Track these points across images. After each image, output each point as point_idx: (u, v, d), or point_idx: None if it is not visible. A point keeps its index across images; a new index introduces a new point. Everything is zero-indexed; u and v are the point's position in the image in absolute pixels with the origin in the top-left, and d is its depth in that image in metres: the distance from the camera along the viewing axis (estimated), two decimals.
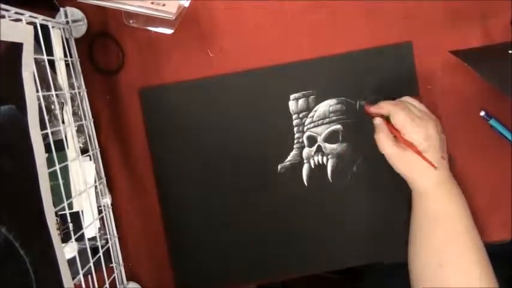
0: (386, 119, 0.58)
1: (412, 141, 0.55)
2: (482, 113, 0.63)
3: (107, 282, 0.57)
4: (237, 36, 0.63)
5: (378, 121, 0.58)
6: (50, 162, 0.46)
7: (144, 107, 0.63)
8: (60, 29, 0.56)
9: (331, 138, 0.63)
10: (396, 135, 0.56)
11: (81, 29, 0.61)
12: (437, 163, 0.55)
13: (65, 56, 0.57)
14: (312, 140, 0.63)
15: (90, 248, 0.54)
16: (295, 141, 0.63)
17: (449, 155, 0.59)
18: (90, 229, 0.57)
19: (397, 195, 0.63)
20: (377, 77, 0.63)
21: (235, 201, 0.64)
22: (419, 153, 0.55)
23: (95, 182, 0.59)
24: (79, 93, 0.59)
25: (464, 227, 0.56)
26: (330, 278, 0.94)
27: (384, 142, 0.57)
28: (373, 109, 0.59)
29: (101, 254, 0.56)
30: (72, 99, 0.58)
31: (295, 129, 0.63)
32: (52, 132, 0.48)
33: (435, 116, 0.58)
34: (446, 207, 0.56)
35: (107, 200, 0.61)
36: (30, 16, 0.46)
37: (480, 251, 0.56)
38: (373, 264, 0.67)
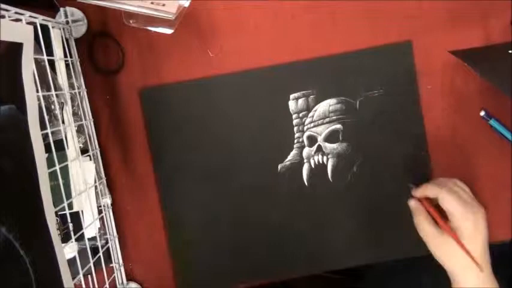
0: (427, 201, 0.56)
1: (459, 227, 0.51)
2: (482, 113, 0.63)
3: (107, 282, 0.57)
4: (237, 36, 0.63)
5: (413, 204, 0.56)
6: (50, 162, 0.46)
7: (144, 107, 0.63)
8: (60, 29, 0.56)
9: (331, 137, 0.63)
10: (439, 222, 0.53)
11: (81, 29, 0.61)
12: (481, 260, 0.51)
13: (65, 56, 0.57)
14: (312, 140, 0.63)
15: (90, 248, 0.54)
16: (295, 140, 0.63)
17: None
18: (90, 229, 0.57)
19: (397, 195, 0.63)
20: (377, 77, 0.63)
21: (235, 201, 0.64)
22: (462, 246, 0.51)
23: (95, 182, 0.59)
24: (79, 93, 0.59)
25: None
26: (330, 278, 0.94)
27: (425, 224, 0.53)
28: (418, 193, 0.57)
29: (101, 254, 0.56)
30: (72, 99, 0.58)
31: (295, 128, 0.63)
32: (52, 132, 0.48)
33: (432, 131, 0.56)
34: None
35: (107, 200, 0.61)
36: (30, 16, 0.46)
37: None
38: (373, 264, 0.67)
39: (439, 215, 0.54)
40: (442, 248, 0.52)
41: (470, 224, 0.51)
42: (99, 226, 0.59)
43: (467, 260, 0.51)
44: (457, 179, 0.57)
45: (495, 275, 0.56)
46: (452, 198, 0.52)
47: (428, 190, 0.56)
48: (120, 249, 0.62)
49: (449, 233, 0.52)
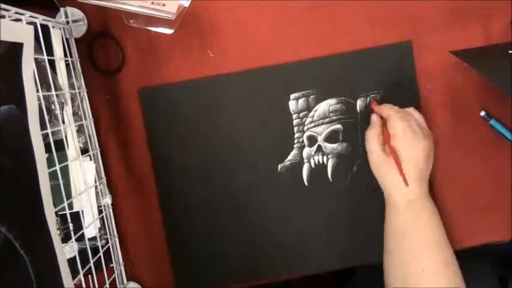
0: (384, 122, 0.58)
1: (398, 151, 0.55)
2: (482, 113, 0.63)
3: (107, 282, 0.57)
4: (237, 36, 0.63)
5: (374, 118, 0.58)
6: (50, 162, 0.46)
7: (144, 107, 0.63)
8: (60, 29, 0.56)
9: (331, 137, 0.63)
10: (385, 140, 0.56)
11: (81, 29, 0.61)
12: (412, 181, 0.54)
13: (65, 56, 0.57)
14: (312, 140, 0.63)
15: (91, 248, 0.54)
16: (296, 140, 0.63)
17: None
18: (90, 229, 0.57)
19: None
20: (377, 77, 0.63)
21: (235, 201, 0.64)
22: (399, 165, 0.54)
23: (95, 182, 0.59)
24: (79, 93, 0.59)
25: (430, 243, 0.55)
26: (330, 278, 0.94)
27: (372, 140, 0.57)
28: (376, 108, 0.59)
29: (101, 254, 0.56)
30: (72, 99, 0.58)
31: (295, 128, 0.63)
32: (52, 132, 0.48)
33: (432, 132, 0.58)
34: (414, 223, 0.55)
35: (107, 200, 0.61)
36: (30, 16, 0.46)
37: (449, 265, 0.54)
38: (372, 264, 0.67)
39: (389, 135, 0.56)
40: (381, 165, 0.56)
41: (408, 151, 0.54)
42: (99, 226, 0.59)
43: (399, 177, 0.54)
44: (413, 109, 0.59)
45: (495, 275, 0.57)
46: (399, 123, 0.55)
47: (383, 109, 0.58)
48: (120, 249, 0.62)
49: (391, 150, 0.55)
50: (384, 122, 0.58)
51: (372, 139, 0.57)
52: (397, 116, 0.55)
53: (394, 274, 0.56)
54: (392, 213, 0.57)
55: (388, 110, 0.57)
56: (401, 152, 0.54)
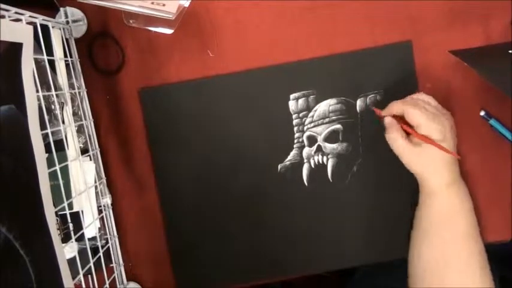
0: (399, 118, 0.57)
1: (430, 136, 0.54)
2: (482, 113, 0.63)
3: (107, 282, 0.57)
4: (237, 36, 0.63)
5: (388, 120, 0.57)
6: (50, 162, 0.46)
7: (144, 107, 0.63)
8: (60, 29, 0.56)
9: (331, 137, 0.63)
10: (410, 132, 0.56)
11: (81, 29, 0.61)
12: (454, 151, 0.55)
13: (65, 56, 0.57)
14: (312, 140, 0.63)
15: (90, 248, 0.54)
16: (295, 140, 0.63)
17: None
18: (90, 229, 0.57)
19: (398, 195, 0.63)
20: (377, 77, 0.63)
21: (235, 201, 0.64)
22: (439, 145, 0.54)
23: (95, 182, 0.59)
24: (79, 93, 0.59)
25: (469, 231, 0.55)
26: (330, 278, 0.94)
27: (397, 139, 0.55)
28: (384, 112, 0.58)
29: (101, 254, 0.56)
30: (72, 99, 0.58)
31: (295, 128, 0.63)
32: (52, 132, 0.48)
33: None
34: (454, 208, 0.56)
35: (107, 200, 0.61)
36: (30, 16, 0.46)
37: (482, 255, 0.55)
38: (372, 264, 0.67)
39: (410, 127, 0.56)
40: (415, 157, 0.55)
41: (437, 131, 0.53)
42: (99, 226, 0.59)
43: (437, 161, 0.54)
44: (422, 93, 0.59)
45: (495, 275, 0.57)
46: (416, 111, 0.54)
47: (393, 107, 0.57)
48: (120, 249, 0.62)
49: (422, 138, 0.54)
50: (397, 118, 0.57)
51: (397, 140, 0.56)
52: (409, 105, 0.55)
53: (429, 262, 0.56)
54: (432, 199, 0.56)
55: (397, 106, 0.56)
56: (434, 134, 0.54)
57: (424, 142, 0.54)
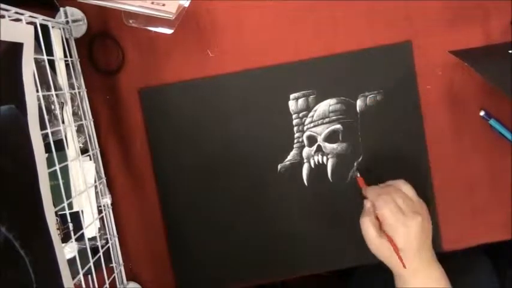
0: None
1: (392, 236, 0.54)
2: (482, 113, 0.63)
3: (107, 282, 0.57)
4: (237, 36, 0.63)
5: (368, 204, 0.57)
6: (50, 162, 0.46)
7: (144, 107, 0.63)
8: (60, 29, 0.56)
9: (331, 137, 0.63)
10: (380, 224, 0.55)
11: (81, 29, 0.61)
12: (411, 259, 0.54)
13: (65, 56, 0.57)
14: (312, 140, 0.63)
15: (90, 248, 0.54)
16: (295, 140, 0.63)
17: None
18: (90, 229, 0.57)
19: None
20: (377, 77, 0.63)
21: (235, 201, 0.64)
22: (395, 248, 0.53)
23: (95, 182, 0.59)
24: (79, 93, 0.59)
25: None
26: (330, 278, 0.94)
27: (367, 227, 0.55)
28: (363, 192, 0.59)
29: (101, 254, 0.56)
30: (72, 99, 0.58)
31: (295, 128, 0.63)
32: (52, 132, 0.48)
33: (432, 132, 0.57)
34: None
35: (107, 200, 0.61)
36: (30, 16, 0.46)
37: None
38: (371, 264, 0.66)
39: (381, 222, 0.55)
40: (379, 248, 0.55)
41: (400, 235, 0.53)
42: (99, 226, 0.59)
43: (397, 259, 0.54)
44: (403, 181, 0.58)
45: (496, 275, 0.56)
46: (384, 209, 0.54)
47: (369, 193, 0.57)
48: (120, 249, 0.62)
49: (386, 235, 0.54)
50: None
51: (367, 226, 0.55)
52: (381, 201, 0.55)
53: None
54: (402, 284, 0.56)
55: (372, 194, 0.56)
56: (394, 237, 0.54)
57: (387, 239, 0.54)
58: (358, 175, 0.62)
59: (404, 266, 0.53)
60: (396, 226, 0.53)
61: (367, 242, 0.56)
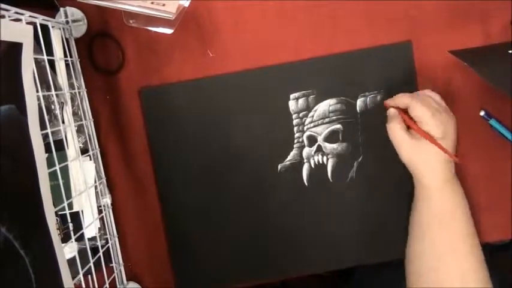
0: (403, 111, 0.57)
1: (428, 131, 0.54)
2: (482, 113, 0.63)
3: (107, 282, 0.57)
4: (237, 36, 0.63)
5: (392, 111, 0.57)
6: (50, 162, 0.46)
7: (144, 107, 0.63)
8: (60, 29, 0.56)
9: (331, 137, 0.63)
10: (412, 126, 0.55)
11: (81, 29, 0.61)
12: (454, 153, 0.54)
13: (65, 56, 0.57)
14: (312, 140, 0.63)
15: (90, 248, 0.54)
16: (295, 140, 0.63)
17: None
18: (90, 229, 0.57)
19: (397, 195, 0.63)
20: (377, 77, 0.63)
21: (235, 201, 0.64)
22: (438, 144, 0.53)
23: (95, 182, 0.59)
24: (79, 93, 0.59)
25: (464, 229, 0.55)
26: (330, 278, 0.94)
27: (397, 130, 0.55)
28: (389, 101, 0.58)
29: (100, 254, 0.56)
30: (72, 99, 0.58)
31: (295, 128, 0.63)
32: (52, 132, 0.48)
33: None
34: (450, 207, 0.55)
35: (107, 200, 0.61)
36: (30, 16, 0.46)
37: (479, 252, 0.55)
38: (371, 264, 0.67)
39: (413, 122, 0.55)
40: (412, 150, 0.55)
41: (439, 129, 0.53)
42: (99, 226, 0.59)
43: (435, 158, 0.54)
44: (430, 90, 0.58)
45: (495, 275, 0.56)
46: (422, 106, 0.54)
47: (399, 99, 0.57)
48: (120, 249, 0.62)
49: (423, 134, 0.54)
50: (401, 112, 0.57)
51: (397, 130, 0.55)
52: (416, 100, 0.54)
53: (425, 261, 0.56)
54: (427, 196, 0.56)
55: (405, 99, 0.56)
56: (436, 132, 0.53)
57: (424, 138, 0.54)
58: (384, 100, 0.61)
59: (454, 157, 0.53)
60: (436, 121, 0.53)
61: (396, 145, 0.56)
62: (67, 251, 0.51)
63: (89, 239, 0.57)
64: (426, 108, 0.54)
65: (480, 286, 0.53)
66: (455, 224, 0.55)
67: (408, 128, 0.56)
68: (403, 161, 0.56)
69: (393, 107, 0.58)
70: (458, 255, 0.54)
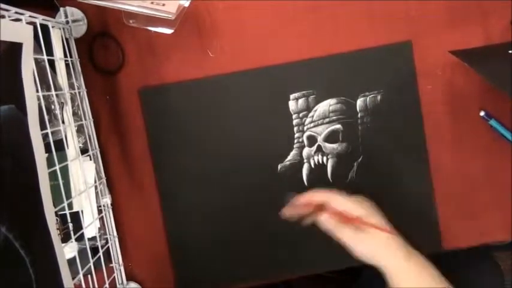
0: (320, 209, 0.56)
1: (361, 217, 0.53)
2: (482, 113, 0.63)
3: (107, 282, 0.57)
4: (237, 36, 0.63)
5: (323, 217, 0.55)
6: (50, 162, 0.46)
7: (144, 107, 0.63)
8: (60, 28, 0.56)
9: (331, 137, 0.63)
10: (341, 217, 0.54)
11: (81, 29, 0.61)
12: (387, 227, 0.54)
13: (65, 56, 0.57)
14: (312, 140, 0.63)
15: (90, 248, 0.54)
16: (295, 140, 0.63)
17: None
18: (90, 229, 0.57)
19: (397, 194, 0.63)
20: (377, 77, 0.63)
21: (235, 201, 0.64)
22: (366, 223, 0.53)
23: (95, 182, 0.59)
24: (79, 93, 0.59)
25: None
26: (330, 278, 0.94)
27: (345, 232, 0.54)
28: (305, 199, 0.57)
29: (100, 254, 0.56)
30: (72, 99, 0.58)
31: (295, 128, 0.63)
32: (52, 132, 0.48)
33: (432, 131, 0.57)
34: (419, 281, 0.53)
35: (107, 200, 0.61)
36: (30, 16, 0.46)
37: None
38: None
39: (343, 216, 0.54)
40: (364, 241, 0.54)
41: (362, 209, 0.54)
42: (99, 226, 0.59)
43: (380, 241, 0.53)
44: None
45: (496, 275, 0.56)
46: (340, 196, 0.55)
47: (315, 196, 0.56)
48: (120, 249, 0.62)
49: (352, 219, 0.54)
50: (318, 208, 0.56)
51: (345, 232, 0.54)
52: (332, 193, 0.55)
53: None
54: (397, 283, 0.53)
55: (320, 194, 0.56)
56: (358, 212, 0.54)
57: (367, 227, 0.53)
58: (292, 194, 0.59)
59: (385, 230, 0.53)
60: (354, 204, 0.54)
61: (351, 245, 0.54)
62: (67, 251, 0.51)
63: (89, 239, 0.57)
64: (345, 199, 0.54)
65: None
66: None
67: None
68: (363, 259, 0.54)
69: (307, 206, 0.56)
70: None
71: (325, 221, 0.55)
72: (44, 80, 0.50)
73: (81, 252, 0.55)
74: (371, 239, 0.54)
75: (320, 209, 0.56)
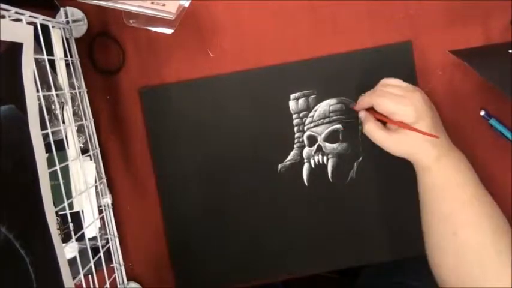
0: (372, 110, 0.58)
1: (402, 119, 0.54)
2: (482, 113, 0.63)
3: (108, 282, 0.57)
4: (237, 36, 0.63)
5: (361, 114, 0.59)
6: (50, 162, 0.46)
7: (144, 107, 0.63)
8: (60, 28, 0.56)
9: (331, 137, 0.63)
10: (385, 120, 0.56)
11: (81, 29, 0.61)
12: (434, 131, 0.55)
13: (65, 55, 0.57)
14: (312, 140, 0.63)
15: (91, 248, 0.54)
16: (296, 140, 0.63)
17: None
18: (91, 229, 0.57)
19: (397, 194, 0.63)
20: (377, 77, 0.62)
21: (235, 200, 0.64)
22: (417, 130, 0.54)
23: (95, 182, 0.59)
24: (79, 93, 0.59)
25: (470, 194, 0.54)
26: (330, 278, 0.94)
27: (373, 130, 0.57)
28: (356, 107, 0.60)
29: (101, 254, 0.56)
30: (73, 99, 0.58)
31: (295, 128, 0.63)
32: (52, 132, 0.48)
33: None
34: (450, 177, 0.55)
35: (107, 200, 0.61)
36: (30, 16, 0.46)
37: (492, 217, 0.54)
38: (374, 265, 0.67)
39: (384, 115, 0.56)
40: (396, 142, 0.56)
41: (408, 115, 0.54)
42: (99, 226, 0.59)
43: (419, 140, 0.54)
44: (386, 78, 0.59)
45: None
46: (382, 99, 0.55)
47: (363, 102, 0.58)
48: (121, 249, 0.62)
49: (399, 124, 0.55)
50: (371, 111, 0.58)
51: (374, 131, 0.57)
52: (375, 96, 0.56)
53: (439, 231, 0.55)
54: (427, 175, 0.56)
55: (366, 100, 0.58)
56: (408, 119, 0.54)
57: (401, 127, 0.55)
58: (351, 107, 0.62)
59: (435, 136, 0.54)
60: (403, 107, 0.54)
61: (380, 144, 0.57)
62: (67, 251, 0.51)
63: (90, 239, 0.57)
64: (388, 100, 0.54)
65: (499, 248, 0.52)
66: (458, 194, 0.54)
67: (384, 123, 0.57)
68: (395, 155, 0.57)
69: (361, 110, 0.59)
70: (468, 226, 0.53)
71: (363, 119, 0.58)
72: (44, 80, 0.50)
73: (82, 252, 0.55)
74: (405, 140, 0.55)
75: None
